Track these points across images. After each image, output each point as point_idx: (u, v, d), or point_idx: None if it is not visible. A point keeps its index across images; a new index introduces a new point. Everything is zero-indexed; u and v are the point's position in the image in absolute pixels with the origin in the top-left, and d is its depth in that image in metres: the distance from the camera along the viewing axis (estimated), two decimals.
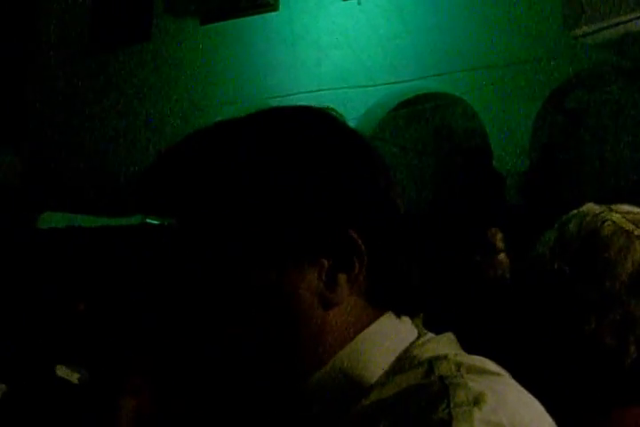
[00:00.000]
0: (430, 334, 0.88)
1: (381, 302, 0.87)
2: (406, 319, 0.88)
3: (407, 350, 0.85)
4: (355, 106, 8.50)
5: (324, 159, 0.85)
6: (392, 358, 0.84)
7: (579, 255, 1.10)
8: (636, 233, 1.10)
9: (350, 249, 0.84)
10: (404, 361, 0.84)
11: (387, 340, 0.85)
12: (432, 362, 0.81)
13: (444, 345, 0.86)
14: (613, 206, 1.15)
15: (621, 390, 1.08)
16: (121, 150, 10.11)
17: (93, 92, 10.53)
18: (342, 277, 0.84)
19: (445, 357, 0.82)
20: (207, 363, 0.87)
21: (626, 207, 1.15)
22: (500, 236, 3.61)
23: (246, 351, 0.84)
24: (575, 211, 1.16)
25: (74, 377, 1.79)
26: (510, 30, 7.79)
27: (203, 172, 0.86)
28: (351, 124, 0.93)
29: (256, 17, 9.57)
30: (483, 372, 0.80)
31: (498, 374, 0.81)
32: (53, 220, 4.83)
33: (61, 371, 1.82)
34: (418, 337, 0.87)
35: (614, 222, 1.11)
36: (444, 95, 8.60)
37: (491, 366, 0.82)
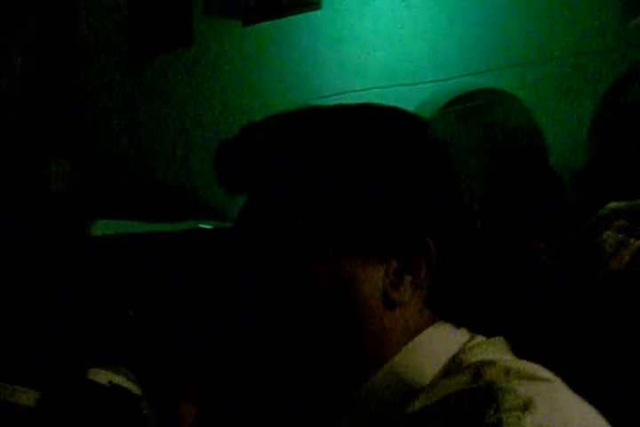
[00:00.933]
0: (480, 338, 0.88)
1: (440, 307, 0.87)
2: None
3: (457, 354, 0.85)
4: (402, 104, 8.30)
5: (411, 162, 0.88)
6: (442, 362, 0.84)
7: (574, 260, 1.11)
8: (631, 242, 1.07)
9: (421, 252, 0.85)
10: (452, 365, 0.84)
11: (439, 344, 0.86)
12: (480, 367, 0.81)
13: (494, 349, 0.86)
14: (634, 203, 1.09)
15: None
16: (168, 156, 10.10)
17: (138, 98, 10.55)
18: (408, 279, 0.85)
19: (494, 362, 0.82)
20: (265, 365, 0.86)
21: None
22: (542, 247, 3.54)
23: (308, 348, 0.84)
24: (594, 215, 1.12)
25: (120, 380, 1.68)
26: (565, 22, 7.60)
27: (289, 156, 0.88)
28: None
29: (299, 16, 9.51)
30: (533, 378, 0.79)
31: (548, 380, 0.79)
32: (106, 227, 4.83)
33: (104, 375, 1.70)
34: (468, 340, 0.87)
35: (611, 231, 1.09)
36: (495, 91, 8.43)
37: (541, 371, 0.81)
